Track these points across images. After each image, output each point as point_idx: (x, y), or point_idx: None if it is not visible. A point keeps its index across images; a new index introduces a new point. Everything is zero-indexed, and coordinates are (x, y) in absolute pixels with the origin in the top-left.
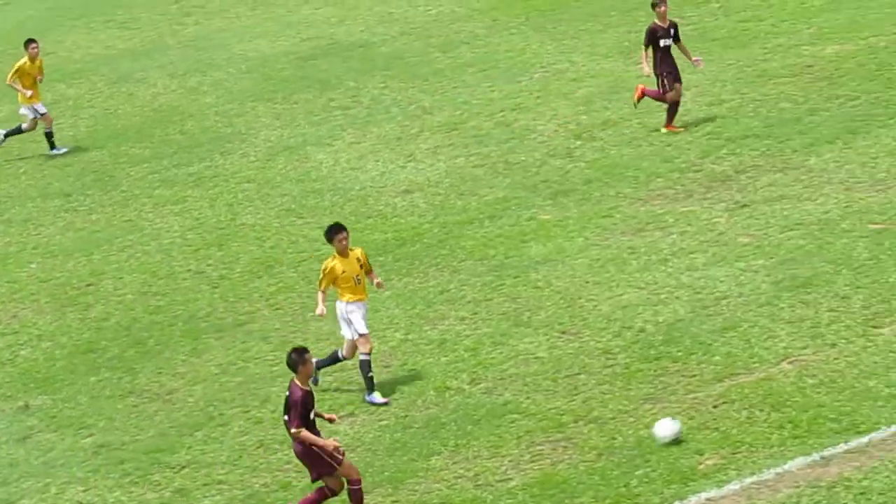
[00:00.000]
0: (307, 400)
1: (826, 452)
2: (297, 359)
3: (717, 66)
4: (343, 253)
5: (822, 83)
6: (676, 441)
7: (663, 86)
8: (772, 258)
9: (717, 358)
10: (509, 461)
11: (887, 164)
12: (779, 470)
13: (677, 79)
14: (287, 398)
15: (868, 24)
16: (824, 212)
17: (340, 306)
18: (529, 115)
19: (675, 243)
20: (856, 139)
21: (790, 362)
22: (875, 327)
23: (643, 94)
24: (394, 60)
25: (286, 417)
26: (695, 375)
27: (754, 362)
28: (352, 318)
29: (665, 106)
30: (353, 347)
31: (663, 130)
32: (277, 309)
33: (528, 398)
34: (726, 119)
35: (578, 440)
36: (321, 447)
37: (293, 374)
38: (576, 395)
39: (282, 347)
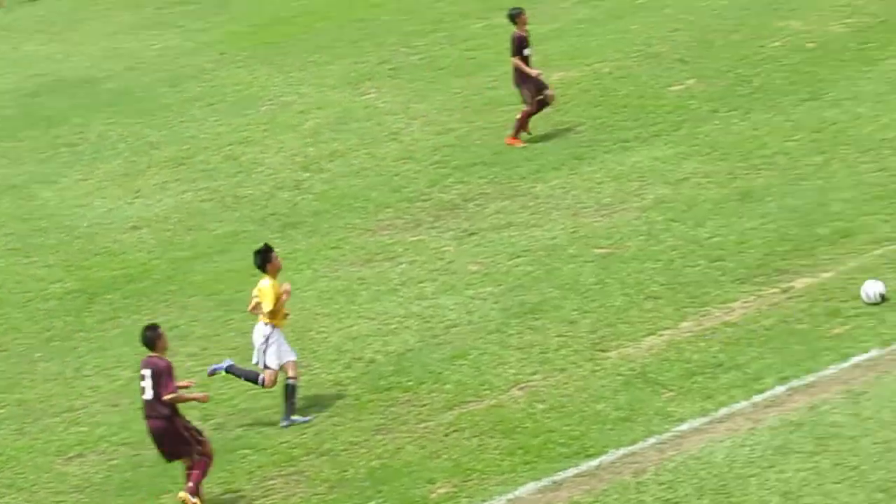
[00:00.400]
0: (173, 367)
1: (557, 477)
2: (153, 334)
3: (445, 95)
4: (275, 275)
5: (547, 109)
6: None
7: (528, 96)
8: (500, 285)
9: (448, 386)
10: (241, 497)
11: (612, 188)
12: (510, 496)
13: (544, 84)
14: (151, 374)
15: (592, 51)
16: (551, 238)
17: (265, 329)
18: (257, 148)
19: (405, 273)
20: (581, 165)
21: (520, 388)
22: (602, 351)
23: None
24: (120, 96)
25: (150, 394)
26: (425, 404)
27: (484, 389)
28: (281, 342)
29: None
30: (275, 376)
31: (507, 143)
32: (3, 350)
33: (259, 433)
34: (454, 148)
35: (310, 473)
36: (192, 402)
37: (150, 352)
38: (307, 428)
39: (8, 390)
